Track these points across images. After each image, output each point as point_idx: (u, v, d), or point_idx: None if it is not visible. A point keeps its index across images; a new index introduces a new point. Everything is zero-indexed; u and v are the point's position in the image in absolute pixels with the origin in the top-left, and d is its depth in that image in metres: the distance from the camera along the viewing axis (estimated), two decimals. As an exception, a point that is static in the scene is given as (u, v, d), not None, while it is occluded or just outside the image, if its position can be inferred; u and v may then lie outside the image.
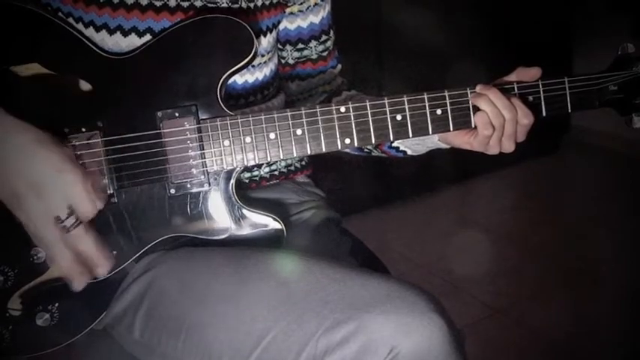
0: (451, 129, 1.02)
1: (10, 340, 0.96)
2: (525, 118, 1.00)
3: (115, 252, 0.97)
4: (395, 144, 1.13)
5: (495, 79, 1.05)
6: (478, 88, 1.01)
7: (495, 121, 1.00)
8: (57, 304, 0.97)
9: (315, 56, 1.22)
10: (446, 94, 1.01)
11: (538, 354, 2.08)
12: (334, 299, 0.89)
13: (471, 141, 1.04)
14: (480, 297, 2.33)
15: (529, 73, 1.04)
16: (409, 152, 1.14)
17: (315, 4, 1.18)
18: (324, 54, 1.23)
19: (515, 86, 1.03)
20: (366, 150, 1.18)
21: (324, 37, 1.22)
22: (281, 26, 1.18)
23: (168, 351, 0.98)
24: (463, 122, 1.02)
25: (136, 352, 1.04)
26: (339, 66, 1.28)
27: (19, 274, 0.96)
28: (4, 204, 0.88)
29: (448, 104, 1.01)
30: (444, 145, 1.09)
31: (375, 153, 1.18)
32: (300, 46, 1.20)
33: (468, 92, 1.02)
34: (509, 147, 1.02)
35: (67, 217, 0.87)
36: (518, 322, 2.21)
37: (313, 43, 1.21)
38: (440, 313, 0.87)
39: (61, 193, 0.87)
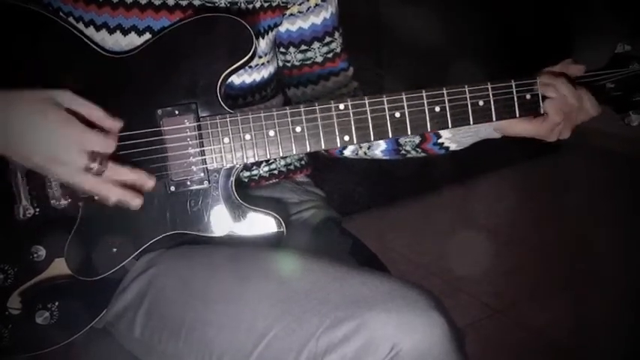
0: (449, 126, 1.02)
1: (9, 339, 0.96)
2: (592, 105, 1.04)
3: (114, 249, 0.98)
4: (440, 140, 1.14)
5: (495, 79, 1.05)
6: (545, 78, 1.04)
7: (565, 108, 1.03)
8: (57, 303, 0.97)
9: (320, 59, 1.21)
10: (444, 91, 1.01)
11: (538, 354, 2.08)
12: (335, 297, 0.89)
13: (537, 127, 1.06)
14: (480, 297, 2.33)
15: (573, 69, 1.06)
16: (452, 147, 1.15)
17: (316, 5, 1.18)
18: (330, 56, 1.22)
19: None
20: (402, 152, 1.18)
21: (327, 39, 1.21)
22: (283, 28, 1.18)
23: (168, 349, 0.98)
24: (461, 119, 1.02)
25: (136, 350, 1.04)
26: (352, 69, 1.27)
27: (18, 272, 0.96)
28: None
29: (446, 101, 1.01)
30: (496, 135, 1.11)
31: (412, 154, 1.19)
32: (303, 47, 1.20)
33: (467, 90, 1.02)
34: (567, 134, 1.06)
35: (93, 162, 0.90)
36: (518, 322, 2.21)
37: (316, 45, 1.20)
38: (441, 312, 0.87)
39: (74, 148, 0.90)
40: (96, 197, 0.96)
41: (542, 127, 1.05)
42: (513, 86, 1.03)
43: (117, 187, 0.93)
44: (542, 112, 1.04)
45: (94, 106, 0.92)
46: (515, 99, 1.03)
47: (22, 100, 0.90)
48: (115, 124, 0.94)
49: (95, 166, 0.90)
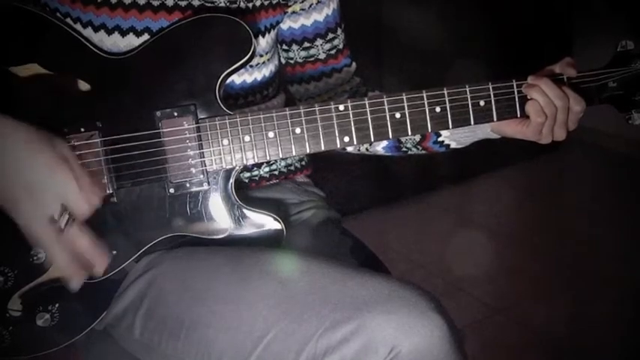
0: (450, 127, 1.02)
1: (10, 341, 0.96)
2: (578, 105, 1.02)
3: (114, 252, 0.98)
4: (440, 138, 1.13)
5: (495, 78, 1.05)
6: (530, 79, 1.03)
7: (547, 109, 1.01)
8: (57, 305, 0.97)
9: (323, 55, 1.21)
10: (445, 92, 1.01)
11: (538, 354, 2.08)
12: (334, 299, 0.89)
13: (524, 130, 1.05)
14: (480, 297, 2.33)
15: (569, 70, 1.05)
16: (453, 145, 1.15)
17: (318, 2, 1.18)
18: (333, 52, 1.22)
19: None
20: (403, 149, 1.19)
21: (330, 36, 1.21)
22: (285, 26, 1.18)
23: (168, 350, 0.98)
24: (462, 120, 1.02)
25: (137, 352, 1.04)
26: (354, 64, 1.27)
27: (19, 274, 0.96)
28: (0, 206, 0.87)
29: (447, 102, 1.01)
30: (494, 136, 1.10)
31: (413, 151, 1.19)
32: (306, 45, 1.20)
33: (467, 90, 1.02)
34: (561, 135, 1.04)
35: (61, 217, 0.86)
36: (518, 322, 2.21)
37: (319, 42, 1.20)
38: (440, 313, 0.87)
39: (53, 192, 0.86)
40: (43, 254, 0.93)
41: (529, 129, 1.04)
42: (514, 86, 1.03)
43: (68, 253, 0.88)
44: (518, 115, 1.04)
45: (86, 172, 0.90)
46: (517, 99, 1.03)
47: (23, 130, 0.86)
48: (98, 197, 0.90)
49: (62, 221, 0.86)
